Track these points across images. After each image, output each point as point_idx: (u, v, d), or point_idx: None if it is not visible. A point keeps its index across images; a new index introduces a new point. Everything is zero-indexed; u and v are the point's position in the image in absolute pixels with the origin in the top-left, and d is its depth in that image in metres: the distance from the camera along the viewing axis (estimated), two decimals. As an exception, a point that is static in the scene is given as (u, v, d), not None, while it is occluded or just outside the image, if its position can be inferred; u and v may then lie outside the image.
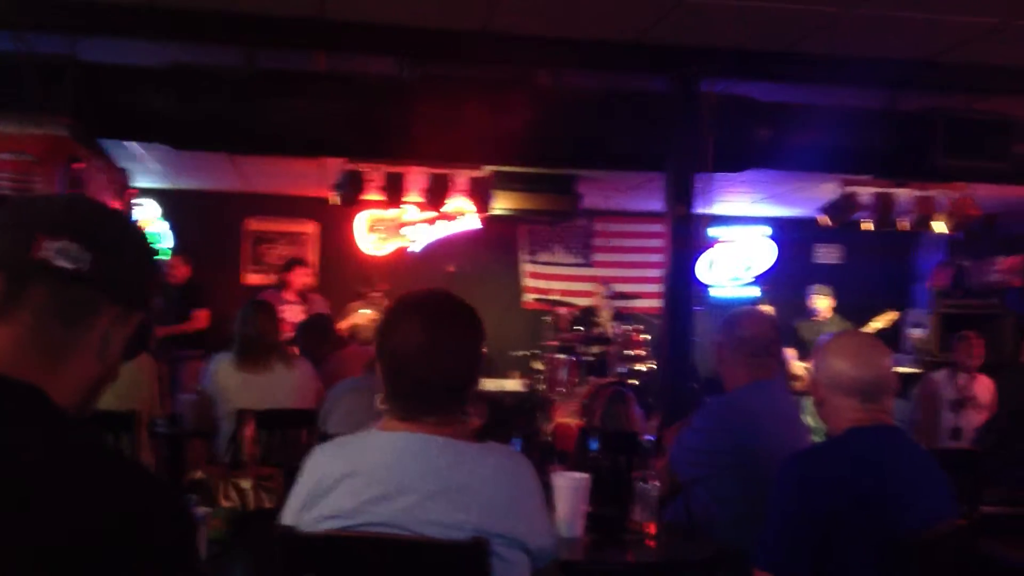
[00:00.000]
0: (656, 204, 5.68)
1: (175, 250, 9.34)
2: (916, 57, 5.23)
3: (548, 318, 8.97)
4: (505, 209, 7.93)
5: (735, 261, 9.90)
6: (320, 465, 1.92)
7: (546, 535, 1.98)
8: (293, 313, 7.25)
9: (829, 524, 2.21)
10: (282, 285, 7.64)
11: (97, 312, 1.18)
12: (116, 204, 7.45)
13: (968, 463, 4.28)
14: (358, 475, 1.86)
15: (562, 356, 8.31)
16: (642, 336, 8.21)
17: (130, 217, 6.59)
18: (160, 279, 7.75)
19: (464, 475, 1.86)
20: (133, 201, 8.53)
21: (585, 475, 2.71)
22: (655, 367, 7.65)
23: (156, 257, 1.37)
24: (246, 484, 4.03)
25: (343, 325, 8.02)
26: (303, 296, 7.55)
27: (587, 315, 8.94)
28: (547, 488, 2.69)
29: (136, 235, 1.28)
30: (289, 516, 1.94)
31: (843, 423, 2.40)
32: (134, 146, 7.34)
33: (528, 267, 10.36)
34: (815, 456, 2.45)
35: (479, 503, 1.85)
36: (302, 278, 7.59)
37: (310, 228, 9.89)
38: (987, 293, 8.56)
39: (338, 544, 1.87)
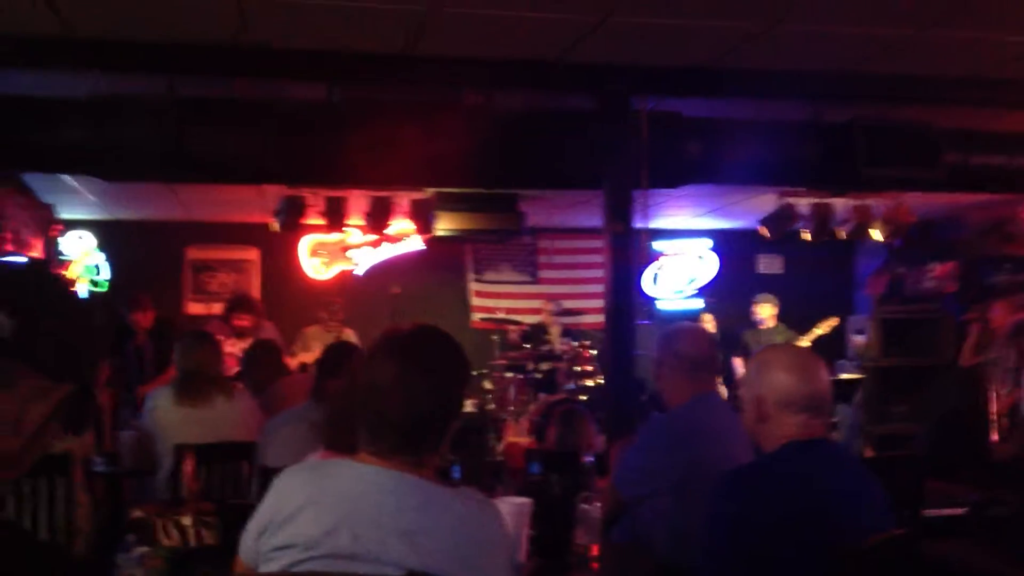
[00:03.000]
0: (599, 220, 5.70)
1: (113, 282, 9.18)
2: (840, 69, 5.32)
3: (496, 337, 8.96)
4: (449, 230, 7.90)
5: (679, 274, 9.99)
6: (286, 490, 1.87)
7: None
8: (240, 347, 7.12)
9: (770, 539, 2.22)
10: (227, 322, 7.49)
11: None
12: (38, 239, 7.28)
13: (907, 468, 4.33)
14: (324, 504, 1.81)
15: (511, 374, 8.31)
16: (590, 352, 8.24)
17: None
18: (128, 325, 7.56)
19: (432, 519, 1.82)
20: (60, 235, 8.37)
21: (527, 499, 2.69)
22: (603, 382, 7.66)
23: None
24: (187, 521, 3.94)
25: (296, 356, 7.94)
26: (248, 333, 7.40)
27: (536, 332, 8.95)
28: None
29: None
30: (248, 540, 1.89)
31: (781, 439, 2.40)
32: (68, 178, 7.20)
33: (474, 286, 10.35)
34: (754, 472, 2.43)
35: (442, 550, 1.81)
36: (240, 322, 7.41)
37: (252, 255, 9.78)
38: (924, 299, 8.73)
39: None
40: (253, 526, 1.90)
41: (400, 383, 1.86)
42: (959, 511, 4.39)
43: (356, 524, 1.80)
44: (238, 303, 7.71)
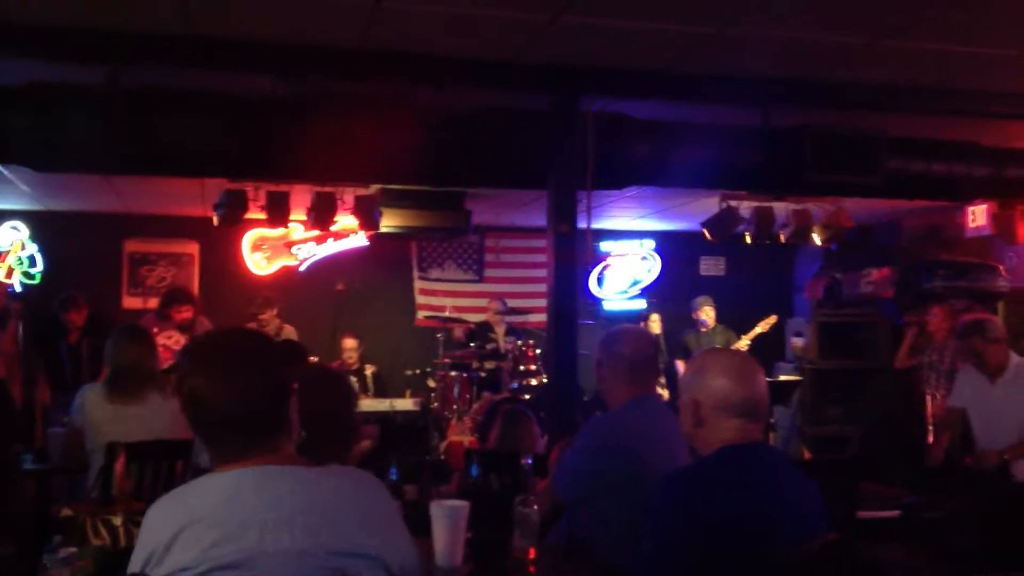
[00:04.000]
0: (545, 219, 5.70)
1: (46, 274, 8.96)
2: (789, 75, 5.39)
3: (441, 335, 8.92)
4: (394, 227, 7.85)
5: (623, 275, 10.04)
6: (156, 523, 1.83)
7: (405, 550, 1.93)
8: (176, 340, 6.98)
9: (706, 544, 2.21)
10: (163, 316, 7.32)
11: None
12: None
13: (843, 471, 4.38)
14: (197, 523, 1.78)
15: (455, 373, 8.27)
16: (535, 351, 8.23)
17: None
18: (61, 324, 7.35)
19: (307, 499, 1.82)
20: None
21: (463, 503, 2.67)
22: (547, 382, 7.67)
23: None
24: (117, 521, 3.84)
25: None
26: (186, 327, 7.25)
27: (481, 331, 8.93)
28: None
29: None
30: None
31: (717, 443, 2.40)
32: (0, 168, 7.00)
33: (419, 284, 10.29)
34: (690, 477, 2.41)
35: (327, 525, 1.81)
36: (181, 314, 7.25)
37: (192, 248, 9.61)
38: (861, 303, 8.88)
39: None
40: (134, 566, 1.84)
41: (221, 386, 1.85)
42: (893, 514, 4.47)
43: (234, 530, 1.77)
44: (178, 295, 7.55)
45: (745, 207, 7.38)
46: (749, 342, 8.59)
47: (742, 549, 2.21)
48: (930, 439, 6.40)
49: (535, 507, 2.77)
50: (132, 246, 9.59)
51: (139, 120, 5.15)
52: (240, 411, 1.85)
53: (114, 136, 5.11)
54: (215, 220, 7.14)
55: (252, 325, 8.38)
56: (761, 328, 8.67)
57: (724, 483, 2.30)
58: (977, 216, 7.85)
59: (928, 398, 6.78)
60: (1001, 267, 7.83)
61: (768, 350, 9.04)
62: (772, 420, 8.43)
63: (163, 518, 1.82)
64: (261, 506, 1.79)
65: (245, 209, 6.87)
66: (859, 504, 4.29)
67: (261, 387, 1.88)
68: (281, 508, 1.80)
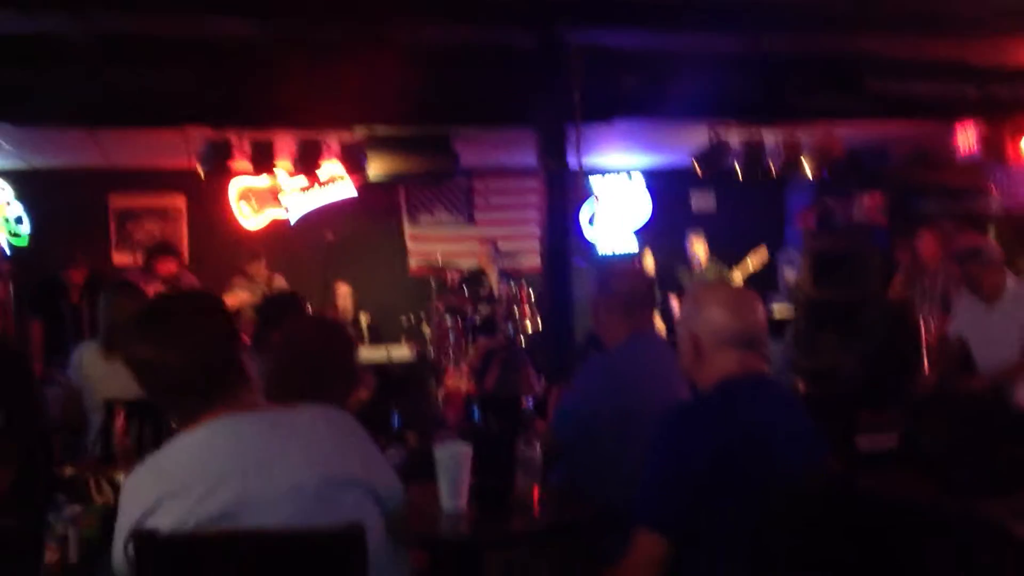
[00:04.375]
0: (534, 159, 5.64)
1: (33, 234, 8.89)
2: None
3: (434, 282, 8.90)
4: (382, 173, 7.77)
5: (615, 213, 9.99)
6: (134, 495, 1.83)
7: (386, 474, 1.98)
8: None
9: (708, 478, 2.21)
10: (147, 270, 7.26)
11: None
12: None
13: (841, 402, 4.40)
14: (176, 487, 1.78)
15: (450, 319, 8.27)
16: (529, 295, 8.22)
17: None
18: (60, 283, 7.29)
19: (283, 439, 1.84)
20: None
21: (467, 446, 2.67)
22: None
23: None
24: (120, 478, 3.85)
25: (232, 304, 7.78)
26: (171, 281, 7.20)
27: (474, 276, 8.91)
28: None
29: None
30: (119, 555, 1.83)
31: (717, 376, 2.39)
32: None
33: (410, 231, 10.21)
34: (692, 411, 2.40)
35: (308, 458, 1.83)
36: (167, 266, 7.20)
37: (179, 202, 9.51)
38: (854, 231, 8.87)
39: (196, 545, 1.77)
40: (119, 542, 1.83)
41: (162, 354, 1.85)
42: (890, 443, 4.50)
43: (215, 482, 1.77)
44: (161, 248, 7.49)
45: (735, 139, 7.33)
46: (742, 277, 8.59)
47: (743, 482, 2.22)
48: (926, 367, 6.43)
49: (537, 449, 2.78)
50: (118, 201, 9.48)
51: (114, 69, 5.07)
52: (193, 371, 1.85)
53: (90, 86, 5.03)
54: (200, 171, 7.06)
55: (240, 279, 8.35)
56: (751, 260, 8.66)
57: (725, 416, 2.30)
58: (967, 138, 7.81)
59: (922, 324, 6.80)
60: (992, 188, 7.81)
61: (760, 282, 9.04)
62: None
63: (140, 489, 1.82)
64: (238, 454, 1.80)
65: (229, 158, 6.80)
66: (856, 434, 4.32)
67: (210, 344, 1.88)
68: (259, 452, 1.80)
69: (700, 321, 2.41)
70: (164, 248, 7.43)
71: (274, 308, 3.84)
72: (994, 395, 5.07)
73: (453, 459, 2.62)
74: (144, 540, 1.75)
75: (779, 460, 2.28)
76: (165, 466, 1.83)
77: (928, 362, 6.49)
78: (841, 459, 3.84)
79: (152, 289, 6.90)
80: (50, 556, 3.54)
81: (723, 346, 2.38)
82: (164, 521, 1.76)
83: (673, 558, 2.23)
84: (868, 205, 8.14)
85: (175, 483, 1.78)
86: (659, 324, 7.53)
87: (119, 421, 4.02)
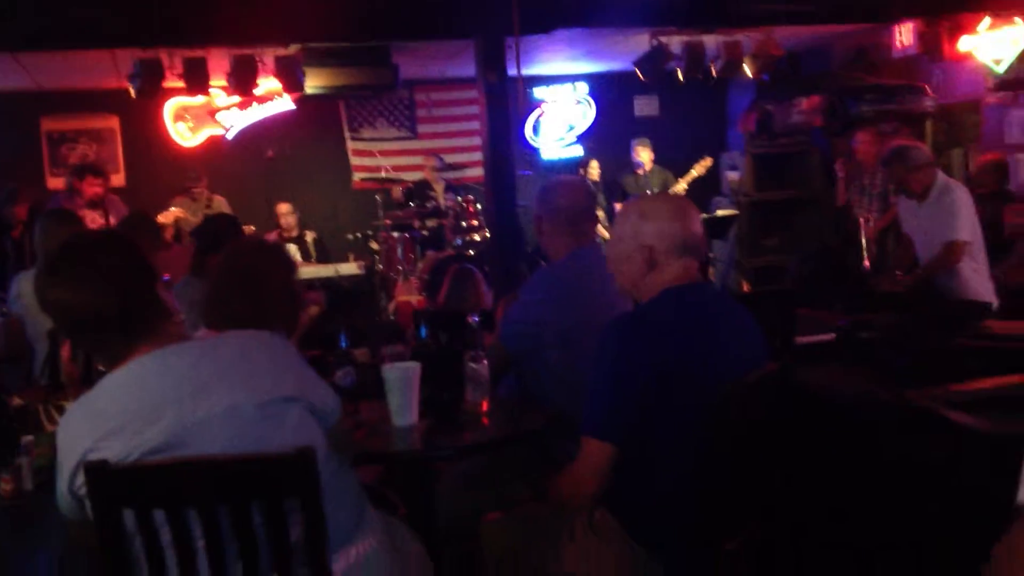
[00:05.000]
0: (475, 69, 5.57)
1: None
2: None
3: (379, 196, 8.83)
4: (319, 87, 7.59)
5: (559, 121, 9.94)
6: (69, 438, 1.84)
7: (323, 389, 2.01)
8: (91, 219, 6.77)
9: (654, 385, 2.27)
10: (73, 192, 7.07)
11: None
12: None
13: (781, 300, 4.52)
14: (112, 425, 1.79)
15: (397, 234, 8.24)
16: (476, 206, 8.20)
17: None
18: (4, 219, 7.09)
19: (214, 364, 1.87)
20: None
21: (415, 363, 2.71)
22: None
23: None
24: (69, 405, 3.86)
25: (164, 221, 7.65)
26: (97, 203, 7.03)
27: (420, 189, 8.85)
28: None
29: None
30: (64, 493, 1.86)
31: (661, 286, 2.42)
32: None
33: (352, 144, 10.07)
34: (638, 320, 2.44)
35: (243, 379, 1.86)
36: (93, 187, 7.00)
37: (112, 122, 9.25)
38: (793, 132, 8.95)
39: (150, 473, 1.80)
40: (62, 483, 1.86)
41: (77, 295, 1.86)
42: (829, 337, 4.65)
43: (152, 416, 1.80)
44: (87, 167, 7.29)
45: (676, 43, 7.27)
46: (687, 185, 8.65)
47: (688, 388, 2.28)
48: (866, 263, 6.60)
49: (484, 362, 2.83)
50: (49, 124, 9.19)
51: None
52: (109, 311, 1.85)
53: (12, 9, 4.82)
54: (131, 92, 6.85)
55: (182, 198, 8.21)
56: (697, 171, 8.72)
57: (669, 325, 2.35)
58: (904, 35, 7.85)
59: (862, 222, 6.95)
60: (927, 87, 7.90)
61: (704, 185, 9.13)
62: (711, 255, 8.61)
63: (75, 431, 1.84)
64: (170, 385, 1.82)
65: (161, 78, 6.58)
66: (797, 330, 4.45)
67: (122, 282, 1.88)
68: (192, 380, 1.83)
69: (653, 232, 2.42)
70: (88, 169, 7.22)
71: (211, 232, 3.79)
72: (926, 288, 5.26)
73: (402, 378, 2.66)
74: (95, 471, 1.76)
75: (722, 363, 2.34)
76: (98, 406, 1.84)
77: (868, 259, 6.66)
78: (782, 353, 3.98)
79: (85, 213, 6.77)
80: (4, 486, 3.56)
81: (675, 253, 2.42)
82: (108, 454, 1.77)
83: (619, 460, 2.32)
84: (807, 108, 8.19)
85: (111, 421, 1.79)
86: (605, 233, 7.59)
87: (65, 349, 3.99)
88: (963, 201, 5.17)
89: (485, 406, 2.80)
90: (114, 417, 1.80)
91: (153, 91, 6.75)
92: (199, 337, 2.59)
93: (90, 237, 2.05)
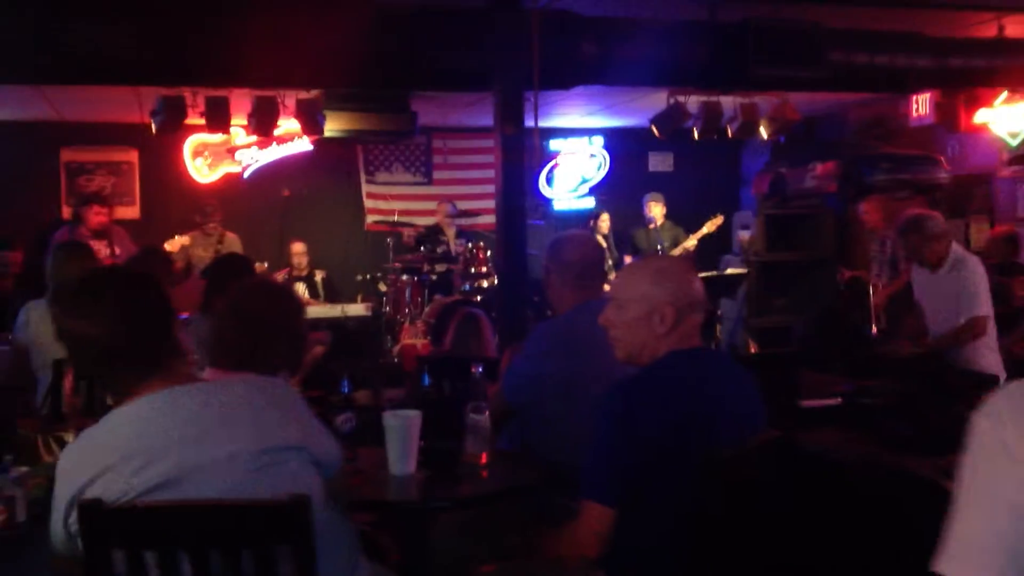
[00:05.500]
0: (493, 120, 5.63)
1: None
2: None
3: (391, 239, 8.88)
4: (339, 130, 7.69)
5: (572, 173, 10.00)
6: (70, 471, 1.84)
7: (326, 440, 2.01)
8: (96, 249, 6.80)
9: (655, 450, 2.26)
10: (78, 221, 7.11)
11: None
12: None
13: (786, 362, 4.49)
14: (113, 460, 1.79)
15: (406, 277, 8.27)
16: (486, 253, 8.23)
17: None
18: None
19: (220, 408, 1.86)
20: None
21: (416, 412, 2.70)
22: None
23: None
24: (69, 437, 3.84)
25: (170, 249, 7.68)
26: (102, 232, 7.09)
27: (431, 234, 8.89)
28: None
29: None
30: (58, 530, 1.85)
31: (667, 348, 2.40)
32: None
33: (367, 188, 10.16)
34: (643, 382, 2.41)
35: (247, 426, 1.85)
36: (98, 217, 7.07)
37: (131, 156, 9.36)
38: (806, 196, 8.98)
39: (144, 515, 1.79)
40: (57, 516, 1.85)
41: (94, 328, 1.86)
42: (833, 402, 4.61)
43: (157, 454, 1.79)
44: (92, 197, 7.35)
45: (693, 102, 7.35)
46: (696, 241, 8.68)
47: (688, 452, 2.26)
48: (873, 328, 6.58)
49: (486, 413, 2.82)
50: (69, 155, 9.30)
51: (64, 26, 4.93)
52: (125, 346, 1.86)
53: (38, 43, 4.90)
54: (153, 128, 6.94)
55: (195, 234, 8.26)
56: (708, 229, 8.75)
57: (674, 389, 2.34)
58: (921, 105, 7.91)
59: (871, 288, 6.94)
60: (942, 158, 7.94)
61: (715, 243, 9.15)
62: (719, 312, 8.60)
63: (77, 463, 1.83)
64: (175, 425, 1.81)
65: (183, 115, 6.68)
66: (801, 393, 4.42)
67: (142, 319, 1.89)
68: (197, 422, 1.82)
69: (668, 293, 2.39)
70: (93, 198, 7.29)
71: (221, 272, 3.81)
72: (934, 357, 5.22)
73: (403, 426, 2.65)
74: (89, 510, 1.76)
75: (720, 428, 2.33)
76: (101, 440, 1.83)
77: (875, 325, 6.64)
78: (785, 417, 3.95)
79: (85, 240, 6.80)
80: (-3, 517, 3.54)
81: (688, 313, 2.40)
82: (102, 494, 1.77)
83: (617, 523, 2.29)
84: (821, 173, 8.24)
85: (112, 456, 1.79)
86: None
87: (68, 381, 4.00)
88: (979, 274, 5.14)
89: (484, 458, 2.78)
90: (115, 452, 1.80)
91: (175, 127, 6.84)
92: (205, 376, 2.60)
93: (117, 272, 2.07)
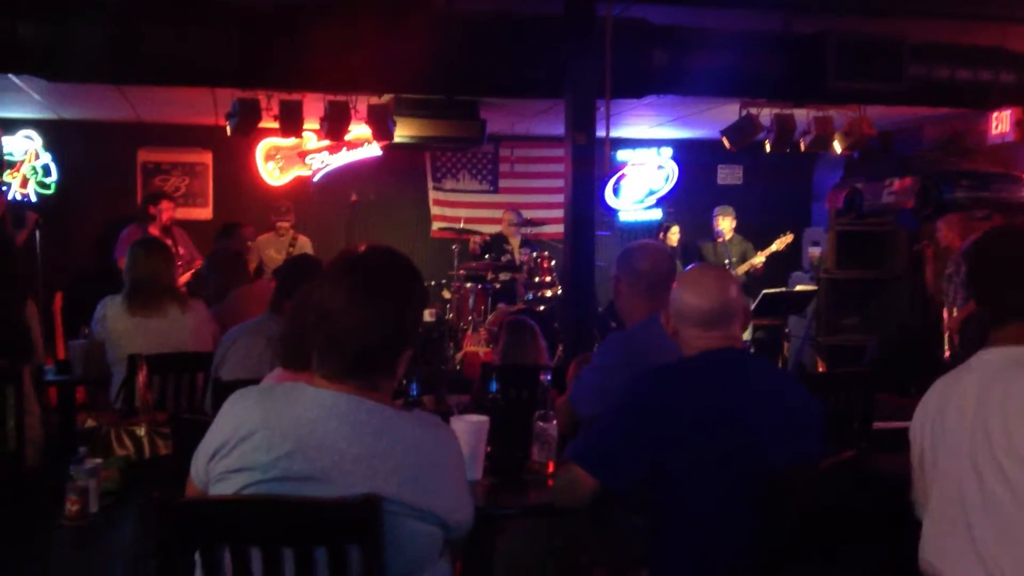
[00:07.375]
0: (561, 128, 5.61)
1: (61, 184, 8.96)
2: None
3: (456, 246, 8.91)
4: (408, 137, 7.76)
5: (640, 184, 9.93)
6: (238, 413, 1.84)
7: (465, 510, 1.95)
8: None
9: (666, 443, 2.24)
10: (147, 218, 7.28)
11: None
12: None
13: (860, 383, 4.38)
14: (277, 428, 1.79)
15: (470, 284, 8.29)
16: (550, 263, 8.22)
17: None
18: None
19: (388, 442, 1.81)
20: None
21: (483, 418, 2.69)
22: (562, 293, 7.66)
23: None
24: (140, 431, 3.91)
25: (252, 254, 7.83)
26: (167, 230, 7.24)
27: (495, 242, 8.91)
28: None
29: None
30: (199, 462, 1.87)
31: (694, 350, 2.45)
32: (12, 76, 6.89)
33: (434, 195, 10.22)
34: (663, 374, 2.43)
35: (399, 473, 1.80)
36: (168, 212, 7.22)
37: (205, 158, 9.56)
38: (882, 213, 8.79)
39: (217, 507, 1.80)
40: (203, 449, 1.87)
41: (350, 309, 1.81)
42: (907, 425, 4.48)
43: (311, 448, 1.78)
44: (160, 193, 7.52)
45: (765, 114, 7.25)
46: (764, 258, 8.55)
47: (714, 454, 2.24)
48: (947, 352, 6.39)
49: (553, 422, 2.79)
50: (145, 155, 9.53)
51: (145, 28, 5.06)
52: (356, 341, 1.81)
53: (120, 45, 5.04)
54: (228, 130, 7.07)
55: (270, 233, 8.39)
56: (777, 246, 8.61)
57: (692, 382, 2.35)
58: (1001, 122, 7.69)
59: (944, 311, 6.75)
60: (1022, 176, 7.71)
61: (785, 260, 9.00)
62: (787, 330, 8.45)
63: (246, 412, 1.83)
64: (343, 436, 1.79)
65: (258, 118, 6.79)
66: (874, 416, 4.31)
67: (385, 323, 1.83)
68: (362, 445, 1.79)
69: (672, 302, 2.52)
70: (162, 194, 7.48)
71: (292, 273, 3.84)
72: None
73: (471, 432, 2.63)
74: (163, 507, 1.78)
75: (751, 434, 2.28)
76: (278, 407, 1.82)
77: (948, 349, 6.45)
78: (859, 439, 3.85)
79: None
80: (70, 507, 3.62)
81: (688, 324, 2.48)
82: (251, 456, 1.78)
83: (656, 534, 2.28)
84: (898, 189, 8.04)
85: (279, 426, 1.78)
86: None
87: (141, 376, 4.07)
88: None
89: (551, 467, 2.76)
90: (282, 427, 1.79)
91: (249, 130, 6.96)
92: (275, 377, 2.62)
93: (395, 266, 1.92)
